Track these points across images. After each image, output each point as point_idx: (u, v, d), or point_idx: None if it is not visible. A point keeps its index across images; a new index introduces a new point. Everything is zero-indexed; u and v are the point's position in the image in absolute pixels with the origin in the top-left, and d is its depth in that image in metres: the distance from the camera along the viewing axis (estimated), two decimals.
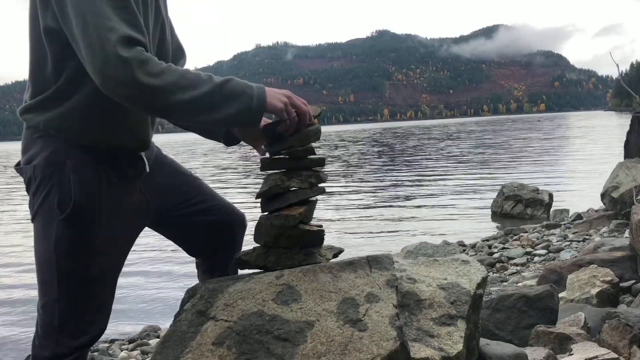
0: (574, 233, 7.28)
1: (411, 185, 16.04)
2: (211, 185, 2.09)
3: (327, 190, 2.10)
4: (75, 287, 1.68)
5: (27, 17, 1.66)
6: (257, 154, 1.97)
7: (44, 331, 1.72)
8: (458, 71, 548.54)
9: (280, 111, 1.62)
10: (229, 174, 22.70)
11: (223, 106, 1.54)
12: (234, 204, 2.08)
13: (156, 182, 1.87)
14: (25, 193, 1.74)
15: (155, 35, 1.75)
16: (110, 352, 4.93)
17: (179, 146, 61.93)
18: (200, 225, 1.96)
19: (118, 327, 5.48)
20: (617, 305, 3.57)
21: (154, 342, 4.89)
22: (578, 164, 19.21)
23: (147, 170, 1.82)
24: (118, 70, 1.42)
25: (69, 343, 1.70)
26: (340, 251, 1.92)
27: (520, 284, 5.07)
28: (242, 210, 2.09)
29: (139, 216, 1.84)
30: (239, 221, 2.04)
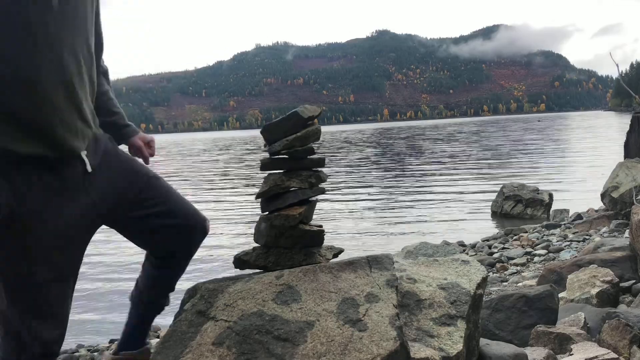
0: (574, 233, 7.28)
1: (411, 185, 16.03)
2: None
3: (327, 190, 2.10)
4: (20, 293, 1.64)
5: None
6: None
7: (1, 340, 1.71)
8: (458, 71, 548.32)
9: None
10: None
11: None
12: (196, 208, 1.99)
13: (105, 181, 1.79)
14: None
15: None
16: (110, 352, 4.93)
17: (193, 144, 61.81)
18: (158, 227, 1.87)
19: (118, 327, 5.48)
20: (617, 305, 3.57)
21: (154, 342, 4.88)
22: (578, 164, 19.20)
23: (89, 169, 1.73)
24: None
25: (27, 351, 1.67)
26: (340, 251, 1.92)
27: (520, 284, 5.07)
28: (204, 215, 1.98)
29: (85, 219, 1.75)
30: (199, 226, 1.93)
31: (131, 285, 2.12)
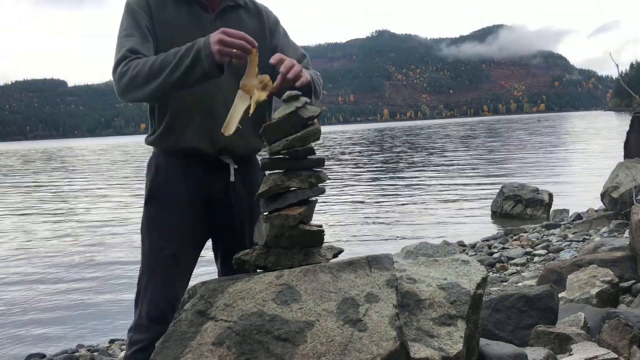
0: (573, 233, 7.28)
1: (411, 186, 16.04)
2: None
3: (327, 190, 2.10)
4: (152, 264, 2.01)
5: None
6: None
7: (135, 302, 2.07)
8: (458, 71, 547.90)
9: (220, 59, 1.77)
10: None
11: (188, 78, 1.82)
12: None
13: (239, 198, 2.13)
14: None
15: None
16: (110, 352, 4.93)
17: None
18: None
19: (118, 327, 5.48)
20: (617, 305, 3.57)
21: None
22: (578, 163, 19.21)
23: (232, 179, 2.07)
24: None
25: (144, 316, 1.99)
26: (340, 251, 1.92)
27: (520, 284, 5.07)
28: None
29: (213, 214, 2.11)
30: None
31: (133, 291, 2.13)
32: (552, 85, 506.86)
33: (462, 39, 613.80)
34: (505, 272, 5.98)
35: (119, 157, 43.91)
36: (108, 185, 20.53)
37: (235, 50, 1.75)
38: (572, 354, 2.47)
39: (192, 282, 1.94)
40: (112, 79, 1.95)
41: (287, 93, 1.76)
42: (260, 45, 2.05)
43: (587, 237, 6.82)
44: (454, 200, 12.62)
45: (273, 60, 1.86)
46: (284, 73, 1.81)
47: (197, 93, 1.98)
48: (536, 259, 6.38)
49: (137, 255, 2.16)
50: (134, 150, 56.91)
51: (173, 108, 2.00)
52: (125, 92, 1.91)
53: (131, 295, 2.24)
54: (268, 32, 2.13)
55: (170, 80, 1.82)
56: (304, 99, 1.78)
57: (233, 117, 1.82)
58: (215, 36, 1.75)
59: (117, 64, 1.91)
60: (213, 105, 2.01)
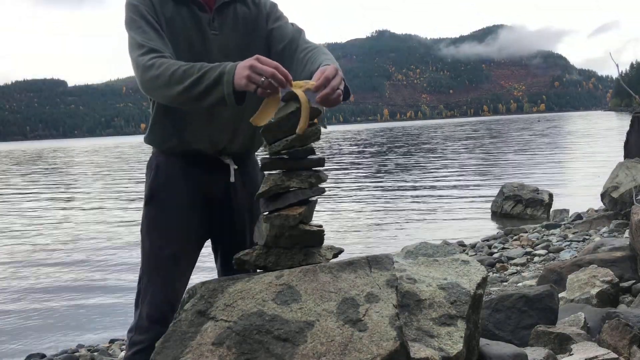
0: (574, 233, 7.28)
1: (411, 186, 16.04)
2: None
3: (327, 190, 2.10)
4: (152, 265, 2.02)
5: None
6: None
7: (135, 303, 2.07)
8: (458, 71, 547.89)
9: (246, 86, 1.69)
10: None
11: (205, 98, 1.77)
12: None
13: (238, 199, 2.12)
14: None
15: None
16: (110, 352, 4.93)
17: None
18: None
19: (118, 327, 5.48)
20: (617, 305, 3.57)
21: None
22: (578, 164, 19.21)
23: (232, 180, 2.06)
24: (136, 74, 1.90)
25: (144, 316, 1.99)
26: (340, 251, 1.92)
27: (520, 284, 5.07)
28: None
29: (213, 214, 2.11)
30: None
31: (133, 292, 2.14)
32: (552, 85, 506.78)
33: (462, 39, 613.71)
34: (505, 272, 5.98)
35: (104, 159, 43.50)
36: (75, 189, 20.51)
37: (263, 79, 1.66)
38: (572, 354, 2.47)
39: (192, 282, 1.94)
40: (136, 69, 1.88)
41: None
42: (259, 37, 2.08)
43: (587, 237, 6.82)
44: (454, 201, 12.62)
45: (316, 83, 1.73)
46: (326, 100, 1.71)
47: None
48: (536, 259, 6.38)
49: (138, 256, 2.16)
50: (127, 151, 56.75)
51: (174, 109, 1.99)
52: (147, 88, 1.88)
53: (131, 296, 2.24)
54: (265, 17, 2.12)
55: (188, 95, 1.78)
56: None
57: (268, 111, 1.75)
58: (247, 61, 1.69)
59: (141, 55, 1.86)
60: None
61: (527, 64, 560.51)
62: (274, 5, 2.18)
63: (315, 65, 1.88)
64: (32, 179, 26.59)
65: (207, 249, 2.22)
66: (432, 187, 15.24)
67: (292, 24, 2.13)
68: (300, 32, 2.10)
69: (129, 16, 1.96)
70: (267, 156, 1.82)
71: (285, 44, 2.05)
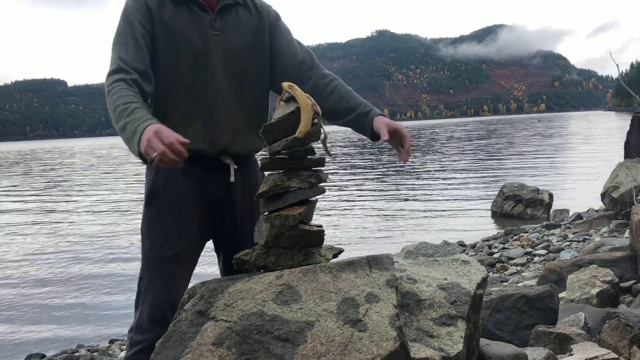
0: (574, 233, 7.28)
1: (411, 186, 16.04)
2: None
3: (327, 190, 2.10)
4: (152, 265, 2.00)
5: None
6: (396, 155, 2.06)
7: (135, 303, 2.05)
8: (458, 71, 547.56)
9: (145, 154, 1.67)
10: None
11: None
12: None
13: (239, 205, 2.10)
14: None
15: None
16: (110, 352, 4.93)
17: None
18: None
19: (118, 327, 5.48)
20: (617, 305, 3.56)
21: None
22: (578, 164, 19.21)
23: (232, 180, 2.04)
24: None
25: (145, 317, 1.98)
26: (340, 251, 1.92)
27: (520, 284, 5.07)
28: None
29: (213, 214, 2.09)
30: None
31: (133, 292, 2.14)
32: (552, 85, 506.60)
33: (462, 39, 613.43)
34: (505, 272, 5.97)
35: (92, 160, 43.29)
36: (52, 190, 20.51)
37: (155, 154, 1.64)
38: (572, 354, 2.47)
39: (192, 282, 1.94)
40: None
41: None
42: (260, 41, 2.10)
43: (587, 237, 6.82)
44: (454, 200, 12.62)
45: (385, 135, 1.97)
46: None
47: (197, 96, 1.99)
48: (536, 259, 6.38)
49: (138, 256, 2.16)
50: (127, 150, 56.53)
51: (174, 110, 2.00)
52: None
53: (131, 296, 2.24)
54: (268, 27, 2.13)
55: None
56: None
57: (304, 119, 1.75)
58: (151, 129, 1.67)
59: (108, 75, 1.91)
60: (213, 107, 2.01)
61: (527, 64, 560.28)
62: (278, 17, 2.19)
63: (351, 102, 2.10)
64: (32, 177, 26.59)
65: (207, 250, 2.22)
66: (432, 187, 15.23)
67: (301, 45, 2.20)
68: (311, 54, 2.19)
69: (119, 21, 2.00)
70: (267, 156, 1.82)
71: (295, 64, 2.13)
